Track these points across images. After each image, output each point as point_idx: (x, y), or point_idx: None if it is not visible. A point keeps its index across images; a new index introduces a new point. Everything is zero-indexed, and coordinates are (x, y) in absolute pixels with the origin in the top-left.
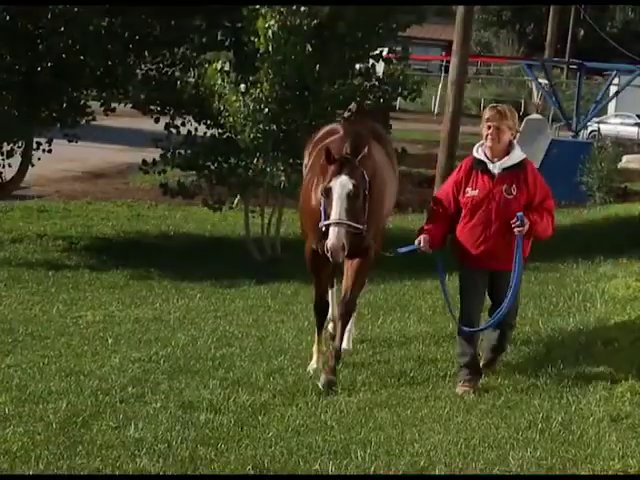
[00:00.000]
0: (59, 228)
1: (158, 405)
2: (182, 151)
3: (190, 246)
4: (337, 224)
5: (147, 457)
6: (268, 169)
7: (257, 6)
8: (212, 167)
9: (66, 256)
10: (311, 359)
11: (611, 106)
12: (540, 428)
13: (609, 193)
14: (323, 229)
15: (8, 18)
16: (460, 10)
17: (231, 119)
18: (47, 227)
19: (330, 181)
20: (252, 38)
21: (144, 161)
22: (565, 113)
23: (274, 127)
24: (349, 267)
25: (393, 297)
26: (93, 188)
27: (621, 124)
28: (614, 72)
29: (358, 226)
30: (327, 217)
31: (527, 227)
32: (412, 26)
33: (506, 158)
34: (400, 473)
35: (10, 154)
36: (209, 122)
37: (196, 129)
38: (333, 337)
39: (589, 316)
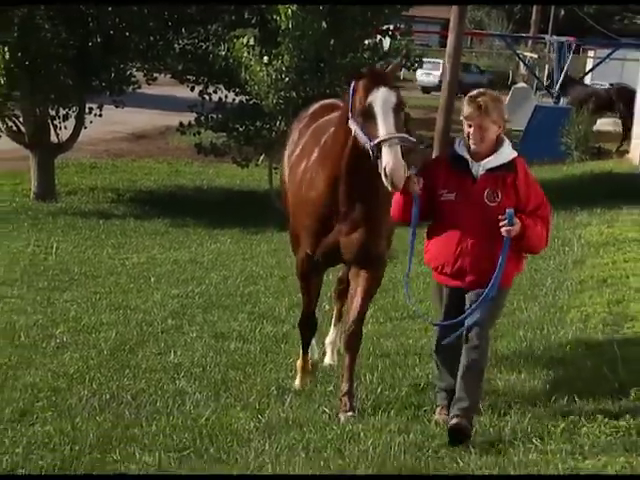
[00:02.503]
0: (108, 182)
1: (194, 335)
2: (214, 115)
3: (221, 198)
4: (392, 139)
5: (185, 379)
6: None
7: None
8: (240, 129)
9: (114, 206)
10: (295, 376)
11: (588, 77)
12: (524, 355)
13: (585, 152)
14: (371, 151)
15: None
16: None
17: (256, 87)
18: (98, 181)
19: (367, 96)
20: (274, 17)
21: (181, 124)
22: (542, 82)
23: (294, 94)
24: (359, 281)
25: (398, 242)
26: (137, 147)
27: None
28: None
29: (412, 139)
30: (372, 138)
31: (518, 228)
32: (414, 6)
33: (492, 157)
34: (402, 394)
35: (66, 118)
36: (237, 90)
37: (226, 96)
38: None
39: (567, 258)
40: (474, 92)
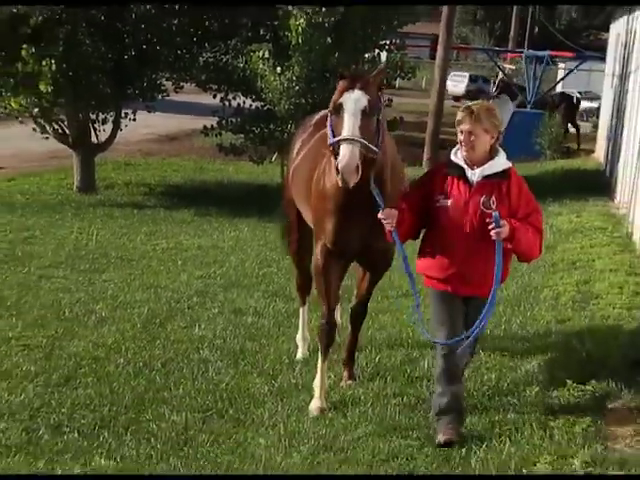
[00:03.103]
0: (141, 178)
1: (216, 311)
2: (233, 119)
3: (240, 191)
4: (350, 141)
5: (208, 349)
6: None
7: (290, 7)
8: (256, 131)
9: (146, 199)
10: (314, 395)
11: (559, 86)
12: (503, 328)
13: (556, 151)
14: (332, 148)
15: (103, 18)
16: (444, 12)
17: (270, 94)
18: (132, 177)
19: (340, 96)
20: (286, 33)
21: (205, 127)
22: (524, 91)
23: (303, 100)
24: (370, 273)
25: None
26: (166, 147)
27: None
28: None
29: (373, 148)
30: (337, 135)
31: (507, 230)
32: (408, 24)
33: (487, 165)
34: (397, 363)
35: (104, 121)
36: (253, 97)
37: (244, 102)
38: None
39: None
40: (472, 102)
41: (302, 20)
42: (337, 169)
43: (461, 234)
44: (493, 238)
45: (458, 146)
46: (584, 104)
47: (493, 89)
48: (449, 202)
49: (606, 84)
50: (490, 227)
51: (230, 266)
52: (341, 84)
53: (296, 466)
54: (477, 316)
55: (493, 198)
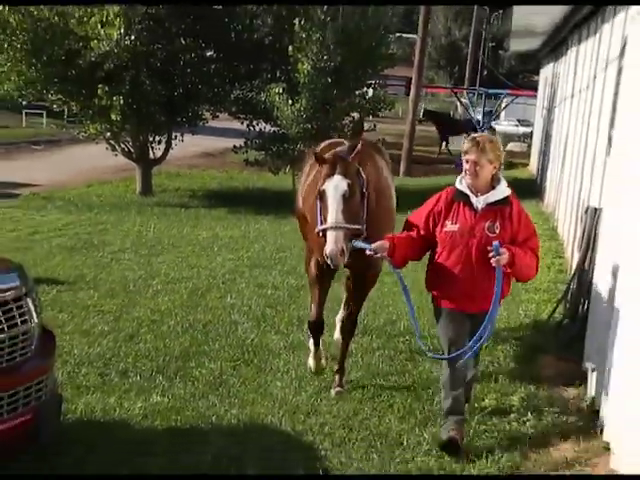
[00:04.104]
0: (187, 184)
1: (243, 285)
2: (256, 140)
3: (261, 194)
4: (334, 228)
5: (237, 314)
6: (306, 150)
7: (299, 55)
8: (273, 149)
9: (191, 200)
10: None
11: (502, 114)
12: None
13: (500, 166)
14: (320, 234)
15: (159, 65)
16: (416, 59)
17: (284, 121)
18: (180, 184)
19: (323, 183)
20: (296, 74)
21: (234, 146)
22: (475, 119)
23: (309, 126)
24: (359, 286)
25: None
26: (206, 162)
27: (507, 125)
28: (503, 95)
29: (357, 227)
30: (323, 221)
31: (506, 257)
32: (388, 69)
33: (490, 193)
34: (381, 324)
35: (159, 142)
36: (272, 123)
37: (264, 127)
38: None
39: None
40: (476, 134)
41: (308, 65)
42: (325, 254)
43: (467, 257)
44: (493, 265)
45: (463, 174)
46: (522, 129)
47: (421, 115)
48: (456, 227)
49: (537, 114)
50: (490, 255)
51: (254, 251)
52: (323, 171)
53: (303, 402)
54: (477, 329)
55: (497, 224)
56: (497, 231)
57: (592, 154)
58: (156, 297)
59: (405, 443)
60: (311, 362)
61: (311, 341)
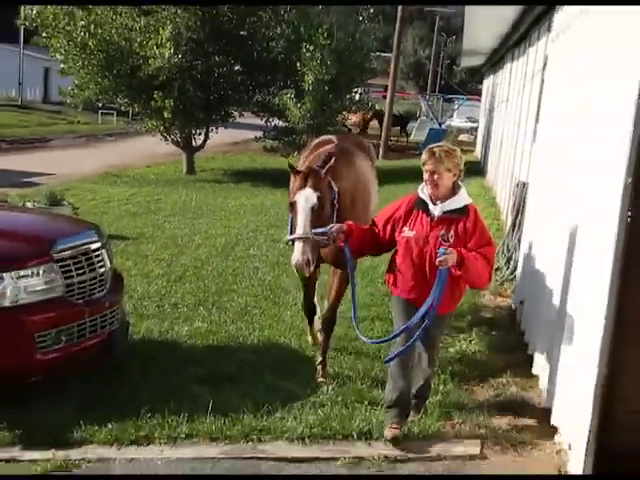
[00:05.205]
0: (220, 165)
1: (262, 240)
2: (272, 132)
3: (276, 173)
4: (301, 239)
5: (258, 262)
6: (308, 140)
7: (305, 69)
8: (285, 139)
9: (223, 177)
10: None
11: (455, 114)
12: None
13: (460, 173)
14: (290, 243)
15: (199, 76)
16: (391, 72)
17: (293, 119)
18: (215, 165)
19: (295, 195)
20: (302, 83)
21: (255, 137)
22: (435, 117)
23: (312, 122)
24: (335, 280)
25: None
26: (234, 148)
27: (459, 122)
28: (459, 99)
29: (324, 239)
30: (293, 231)
31: (454, 257)
32: (370, 79)
33: (448, 201)
34: (370, 291)
35: (199, 134)
36: (283, 120)
37: (278, 123)
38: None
39: None
40: (434, 145)
41: (311, 76)
42: (291, 262)
43: (420, 262)
44: (438, 265)
45: (424, 183)
46: (469, 124)
47: (369, 115)
48: (412, 234)
49: (481, 114)
50: (437, 261)
51: (270, 215)
52: (295, 182)
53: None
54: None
55: (452, 232)
56: (451, 240)
57: (522, 142)
58: (198, 249)
59: (382, 357)
60: (308, 337)
61: (306, 321)
